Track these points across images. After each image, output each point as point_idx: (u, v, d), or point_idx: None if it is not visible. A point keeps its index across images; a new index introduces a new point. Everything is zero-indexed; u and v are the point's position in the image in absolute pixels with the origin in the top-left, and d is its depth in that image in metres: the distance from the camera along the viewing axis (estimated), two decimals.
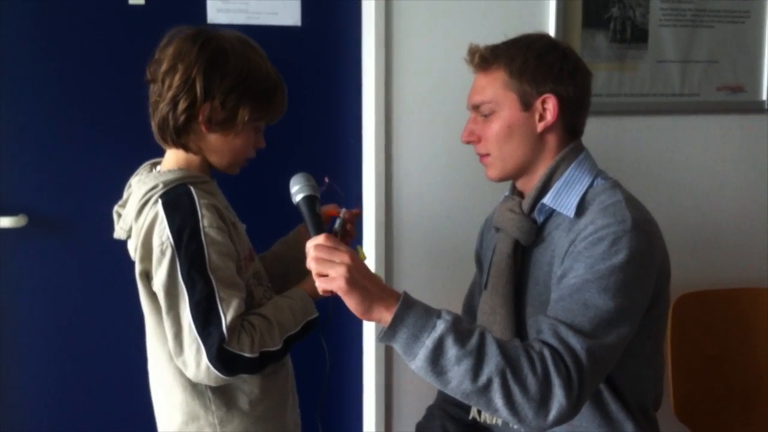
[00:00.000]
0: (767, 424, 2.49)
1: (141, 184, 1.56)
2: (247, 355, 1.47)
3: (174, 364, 1.54)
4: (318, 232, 1.49)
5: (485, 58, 1.69)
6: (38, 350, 2.18)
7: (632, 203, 1.62)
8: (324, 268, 1.39)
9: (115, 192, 1.66)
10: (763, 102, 2.66)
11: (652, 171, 2.57)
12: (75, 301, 2.19)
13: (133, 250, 1.56)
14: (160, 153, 1.63)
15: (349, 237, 1.72)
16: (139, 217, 1.54)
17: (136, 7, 2.12)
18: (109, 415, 2.24)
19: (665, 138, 2.59)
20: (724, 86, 2.62)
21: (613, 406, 1.66)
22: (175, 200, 1.51)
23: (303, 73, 2.28)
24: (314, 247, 1.41)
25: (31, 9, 2.06)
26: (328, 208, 1.70)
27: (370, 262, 2.24)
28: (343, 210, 1.70)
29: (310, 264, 1.41)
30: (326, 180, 1.66)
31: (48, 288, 2.17)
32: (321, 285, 1.40)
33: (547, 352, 1.39)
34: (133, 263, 1.57)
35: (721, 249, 2.68)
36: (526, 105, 1.65)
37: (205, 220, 1.49)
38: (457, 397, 1.39)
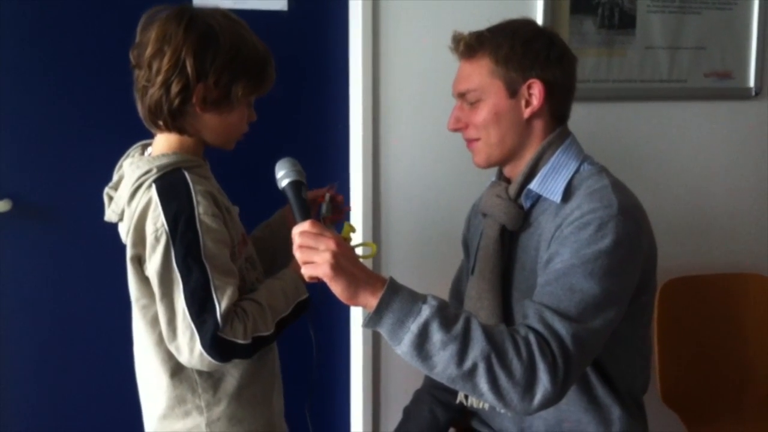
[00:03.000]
0: (754, 409, 2.51)
1: (134, 167, 1.54)
2: (240, 341, 1.46)
3: (161, 349, 1.53)
4: (304, 218, 1.48)
5: (470, 46, 1.68)
6: (23, 336, 2.17)
7: (619, 188, 1.62)
8: (309, 255, 1.39)
9: (100, 177, 1.65)
10: (750, 88, 2.67)
11: (639, 157, 2.57)
12: (60, 286, 2.18)
13: (125, 234, 1.55)
14: (148, 136, 1.62)
15: (339, 216, 1.72)
16: (131, 201, 1.52)
17: None
18: (98, 401, 2.24)
19: (653, 124, 2.59)
20: (712, 72, 2.62)
21: (600, 391, 1.66)
22: (170, 186, 1.49)
23: (289, 58, 2.26)
24: (300, 234, 1.41)
25: None
26: (315, 193, 1.69)
27: (359, 235, 2.25)
28: (328, 195, 1.69)
29: (296, 252, 1.41)
30: (330, 191, 1.67)
31: (32, 273, 2.16)
32: (306, 272, 1.40)
33: (532, 337, 1.39)
34: (119, 248, 1.56)
35: (709, 235, 2.69)
36: (513, 92, 1.65)
37: (201, 207, 1.48)
38: (443, 381, 1.40)
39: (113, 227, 1.62)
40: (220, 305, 1.45)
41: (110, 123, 2.08)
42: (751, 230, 2.73)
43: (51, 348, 2.20)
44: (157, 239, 1.47)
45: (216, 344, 1.45)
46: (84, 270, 2.19)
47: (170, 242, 1.46)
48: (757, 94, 2.67)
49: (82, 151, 2.13)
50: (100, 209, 1.62)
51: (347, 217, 1.80)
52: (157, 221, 1.47)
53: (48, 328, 2.19)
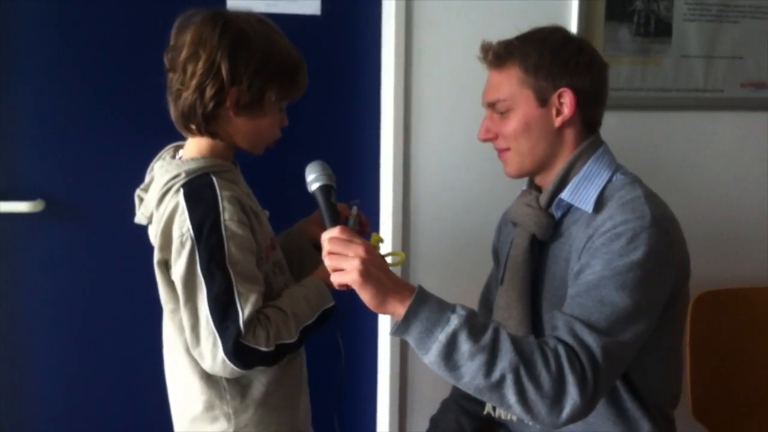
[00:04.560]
0: None
1: (163, 171, 1.54)
2: (263, 349, 1.46)
3: (190, 353, 1.53)
4: (334, 224, 1.48)
5: (499, 56, 1.67)
6: (54, 335, 2.19)
7: (652, 199, 1.60)
8: (339, 262, 1.38)
9: (132, 177, 1.66)
10: None
11: (673, 167, 2.54)
12: (92, 286, 2.20)
13: (153, 237, 1.55)
14: (179, 137, 1.62)
15: (363, 232, 1.70)
16: (160, 205, 1.53)
17: None
18: (126, 402, 2.25)
19: (687, 134, 2.56)
20: (748, 82, 2.59)
21: (630, 404, 1.64)
22: (197, 191, 1.50)
23: (322, 63, 2.26)
24: (329, 240, 1.40)
25: None
26: (341, 208, 1.67)
27: (387, 246, 2.24)
28: (355, 208, 1.68)
29: (325, 258, 1.40)
30: (354, 208, 1.67)
31: (64, 273, 2.18)
32: (336, 279, 1.39)
33: (561, 349, 1.38)
34: (150, 249, 1.56)
35: (742, 247, 2.65)
36: (543, 101, 1.64)
37: (226, 213, 1.48)
38: (470, 392, 1.39)
39: (143, 229, 1.63)
40: (243, 312, 1.45)
41: (143, 124, 2.08)
42: None
43: (81, 348, 2.22)
44: (182, 244, 1.47)
45: (238, 351, 1.45)
46: (116, 271, 2.20)
47: (195, 247, 1.46)
48: None
49: (114, 152, 2.14)
50: (132, 210, 1.63)
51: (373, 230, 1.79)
52: (183, 226, 1.47)
53: (79, 327, 2.21)
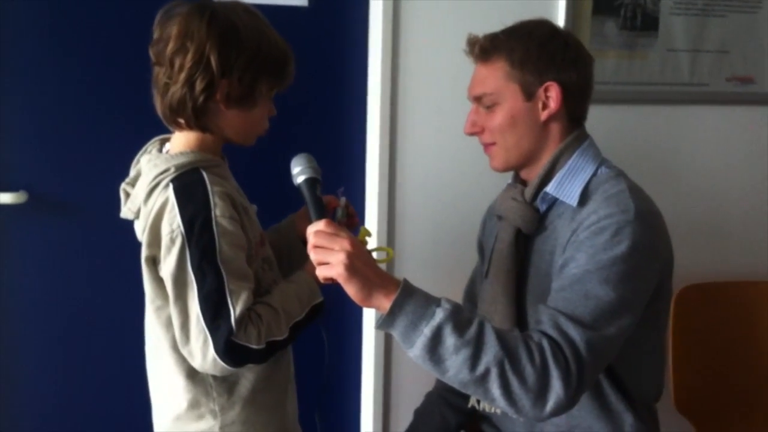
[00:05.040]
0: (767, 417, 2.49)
1: (151, 166, 1.52)
2: (254, 347, 1.45)
3: (176, 351, 1.52)
4: (319, 217, 1.47)
5: (485, 49, 1.67)
6: (36, 328, 2.17)
7: (636, 193, 1.60)
8: (324, 256, 1.38)
9: (116, 170, 1.64)
10: None
11: (658, 161, 2.55)
12: (75, 279, 2.18)
13: (141, 232, 1.53)
14: (164, 130, 1.60)
15: (352, 223, 1.70)
16: (148, 200, 1.50)
17: None
18: (108, 399, 2.24)
19: (673, 128, 2.57)
20: (733, 77, 2.59)
21: (613, 398, 1.65)
22: (187, 187, 1.47)
23: (308, 55, 2.24)
24: (315, 233, 1.40)
25: None
26: (328, 199, 1.67)
27: (373, 241, 2.24)
28: (343, 199, 1.67)
29: (310, 251, 1.40)
30: (343, 199, 1.66)
31: (47, 265, 2.16)
32: (321, 273, 1.39)
33: (546, 343, 1.38)
34: (136, 244, 1.55)
35: (726, 241, 2.67)
36: (529, 95, 1.64)
37: (218, 210, 1.46)
38: (455, 386, 1.39)
39: (128, 223, 1.61)
40: (235, 310, 1.43)
41: (127, 117, 2.07)
42: None
43: (62, 343, 2.20)
44: (172, 240, 1.45)
45: (230, 349, 1.43)
46: (98, 265, 2.18)
47: (186, 245, 1.44)
48: None
49: (99, 145, 2.12)
50: (116, 204, 1.61)
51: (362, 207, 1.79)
52: (173, 222, 1.45)
53: (59, 322, 2.19)
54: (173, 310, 1.47)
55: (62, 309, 2.18)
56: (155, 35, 1.51)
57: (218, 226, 1.45)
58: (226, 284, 1.44)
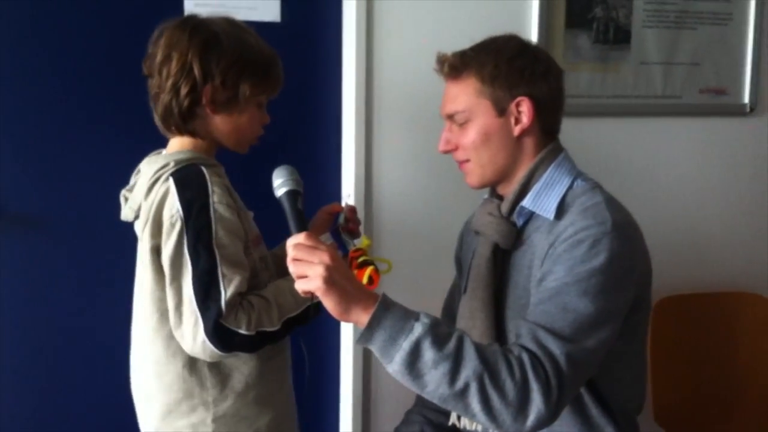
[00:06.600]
0: (746, 429, 2.49)
1: (151, 164, 1.60)
2: (243, 332, 1.49)
3: (173, 341, 1.56)
4: (300, 230, 1.47)
5: (455, 67, 1.67)
6: (12, 345, 2.15)
7: (613, 205, 1.60)
8: (303, 269, 1.36)
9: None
10: (745, 105, 2.66)
11: (633, 173, 2.56)
12: (49, 295, 2.16)
13: (142, 227, 1.58)
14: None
15: (355, 228, 1.75)
16: (149, 194, 1.57)
17: (115, 2, 2.09)
18: (89, 410, 2.21)
19: (647, 140, 2.58)
20: (706, 89, 2.61)
21: (594, 411, 1.64)
22: (187, 177, 1.55)
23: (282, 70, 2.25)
24: (294, 246, 1.38)
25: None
26: (332, 205, 1.73)
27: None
28: (346, 204, 1.73)
29: (289, 264, 1.38)
30: (345, 204, 1.71)
31: (19, 284, 2.14)
32: (299, 286, 1.37)
33: (525, 357, 1.37)
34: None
35: (703, 253, 2.68)
36: (501, 110, 1.64)
37: (215, 196, 1.53)
38: (435, 401, 1.37)
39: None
40: (226, 293, 1.48)
41: (102, 132, 2.08)
42: (745, 248, 2.72)
43: (39, 359, 2.18)
44: (172, 225, 1.51)
45: (218, 332, 1.47)
46: (74, 279, 2.16)
47: (183, 227, 1.51)
48: (751, 110, 2.66)
49: (75, 163, 2.11)
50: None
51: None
52: (173, 208, 1.52)
53: (37, 335, 2.17)
54: (169, 293, 1.52)
55: (39, 323, 2.17)
56: (149, 51, 1.61)
57: (215, 211, 1.52)
58: (219, 267, 1.50)
